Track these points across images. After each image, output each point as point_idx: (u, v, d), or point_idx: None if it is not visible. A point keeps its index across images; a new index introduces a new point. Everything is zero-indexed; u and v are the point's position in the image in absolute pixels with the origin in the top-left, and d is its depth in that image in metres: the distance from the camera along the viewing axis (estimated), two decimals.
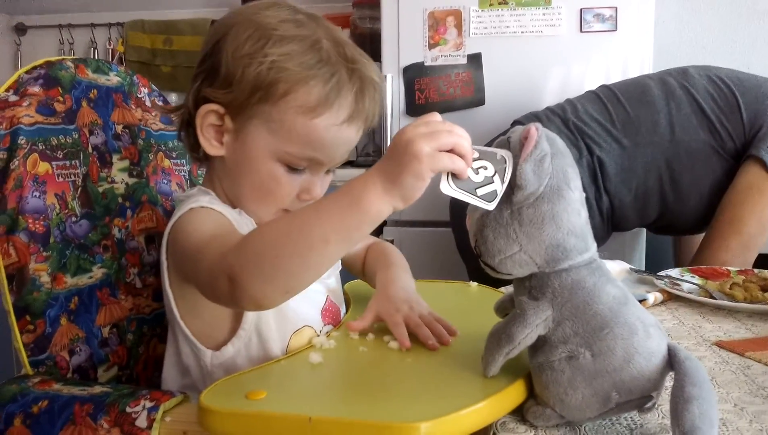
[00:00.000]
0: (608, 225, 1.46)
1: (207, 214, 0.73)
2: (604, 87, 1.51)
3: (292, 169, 0.74)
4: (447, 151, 0.55)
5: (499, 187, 0.56)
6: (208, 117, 0.74)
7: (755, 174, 1.32)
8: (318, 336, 0.77)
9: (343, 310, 0.87)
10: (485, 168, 0.57)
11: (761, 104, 1.37)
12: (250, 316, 0.73)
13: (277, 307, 0.65)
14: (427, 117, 0.57)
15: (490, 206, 0.56)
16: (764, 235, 1.32)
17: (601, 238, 0.54)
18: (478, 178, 0.56)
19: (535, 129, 0.57)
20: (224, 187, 0.78)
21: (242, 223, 0.75)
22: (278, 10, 0.74)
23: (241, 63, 0.71)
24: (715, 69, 1.47)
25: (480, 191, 0.56)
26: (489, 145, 0.61)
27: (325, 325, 0.80)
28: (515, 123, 1.52)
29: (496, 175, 0.57)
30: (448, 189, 0.56)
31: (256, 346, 0.74)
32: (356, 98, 0.73)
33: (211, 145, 0.75)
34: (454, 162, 0.55)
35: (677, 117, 1.39)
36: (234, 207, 0.77)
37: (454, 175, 0.56)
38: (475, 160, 0.57)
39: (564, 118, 1.45)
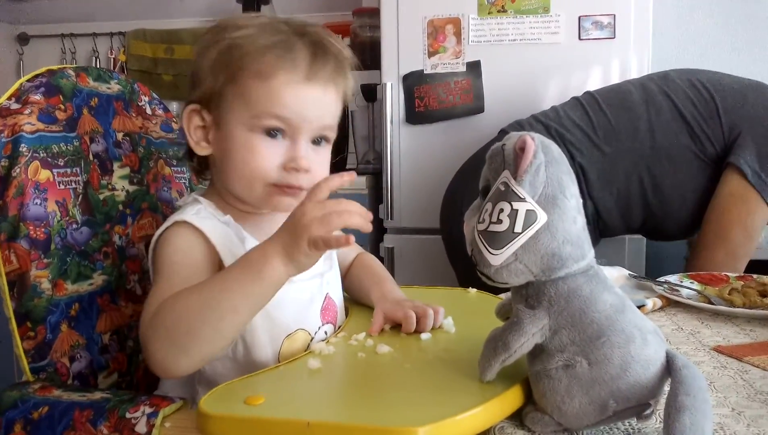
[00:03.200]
0: (596, 230, 1.46)
1: (184, 236, 0.76)
2: (587, 94, 1.52)
3: (268, 135, 0.76)
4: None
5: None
6: (192, 119, 0.79)
7: (736, 183, 1.33)
8: (313, 337, 0.78)
9: (343, 305, 0.88)
10: (501, 210, 0.57)
11: (740, 109, 1.37)
12: None
13: (263, 315, 0.70)
14: (317, 194, 0.64)
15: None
16: (751, 243, 1.33)
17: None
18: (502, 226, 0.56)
19: (531, 139, 0.57)
20: (219, 186, 0.81)
21: (229, 234, 0.77)
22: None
23: (203, 54, 0.77)
24: (698, 72, 1.47)
25: (518, 228, 0.56)
26: (483, 151, 0.62)
27: (323, 324, 0.81)
28: (501, 132, 1.53)
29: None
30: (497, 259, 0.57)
31: (242, 352, 0.76)
32: (311, 58, 0.76)
33: (199, 146, 0.80)
34: (339, 241, 0.63)
35: (657, 123, 1.40)
36: (225, 212, 0.79)
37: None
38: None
39: (546, 125, 1.45)
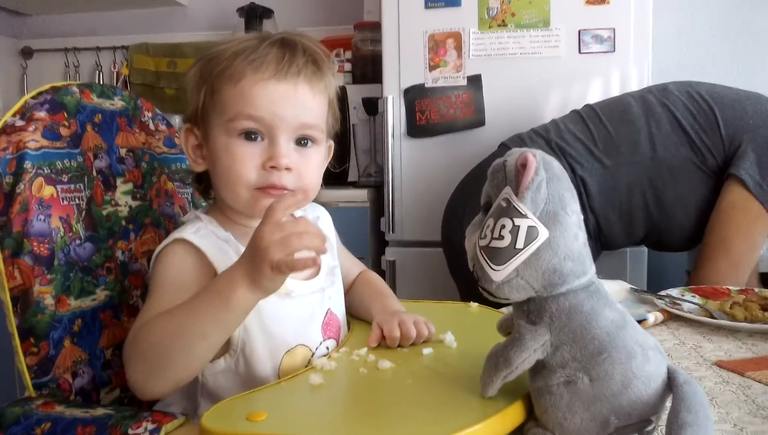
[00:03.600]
0: (597, 243, 1.46)
1: (181, 254, 0.77)
2: (587, 107, 1.52)
3: (246, 138, 0.76)
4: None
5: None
6: (188, 138, 0.81)
7: (737, 193, 1.33)
8: (314, 352, 0.79)
9: (345, 320, 0.88)
10: (503, 226, 0.57)
11: (740, 120, 1.37)
12: (236, 338, 0.75)
13: (262, 331, 0.73)
14: (273, 216, 0.64)
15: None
16: (753, 253, 1.33)
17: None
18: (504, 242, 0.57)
19: (533, 156, 0.57)
20: (218, 202, 0.83)
21: (228, 252, 0.77)
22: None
23: (189, 72, 0.80)
24: (696, 85, 1.48)
25: (519, 244, 0.56)
26: (484, 164, 0.63)
27: (325, 339, 0.81)
28: (502, 145, 1.54)
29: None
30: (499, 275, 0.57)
31: (243, 366, 0.76)
32: (279, 56, 0.76)
33: (196, 164, 0.82)
34: (306, 263, 0.63)
35: (657, 135, 1.40)
36: (227, 229, 0.80)
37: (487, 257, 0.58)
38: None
39: (547, 139, 1.46)
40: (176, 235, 0.78)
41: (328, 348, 0.81)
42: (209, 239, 0.78)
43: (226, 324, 0.67)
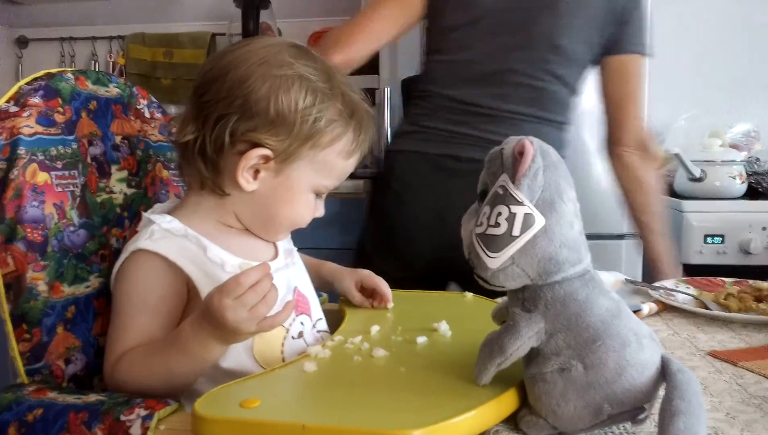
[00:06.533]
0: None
1: (144, 268, 0.76)
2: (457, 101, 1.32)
3: (317, 195, 0.84)
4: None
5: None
6: (252, 160, 0.77)
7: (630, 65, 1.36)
8: (288, 329, 0.80)
9: (314, 294, 0.90)
10: (499, 213, 0.57)
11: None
12: None
13: None
14: (235, 290, 0.65)
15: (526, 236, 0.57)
16: None
17: None
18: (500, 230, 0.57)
19: (530, 144, 0.57)
20: (240, 215, 0.82)
21: (188, 247, 0.77)
22: (308, 60, 0.80)
23: (298, 117, 0.77)
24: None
25: (515, 232, 0.56)
26: (481, 154, 0.63)
27: (297, 315, 0.83)
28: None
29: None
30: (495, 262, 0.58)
31: None
32: (370, 141, 0.85)
33: (248, 183, 0.78)
34: (287, 312, 0.70)
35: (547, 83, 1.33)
36: (200, 231, 0.78)
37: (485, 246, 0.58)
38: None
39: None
40: (131, 247, 0.77)
41: (302, 323, 0.82)
42: (166, 241, 0.76)
43: (204, 368, 0.73)
